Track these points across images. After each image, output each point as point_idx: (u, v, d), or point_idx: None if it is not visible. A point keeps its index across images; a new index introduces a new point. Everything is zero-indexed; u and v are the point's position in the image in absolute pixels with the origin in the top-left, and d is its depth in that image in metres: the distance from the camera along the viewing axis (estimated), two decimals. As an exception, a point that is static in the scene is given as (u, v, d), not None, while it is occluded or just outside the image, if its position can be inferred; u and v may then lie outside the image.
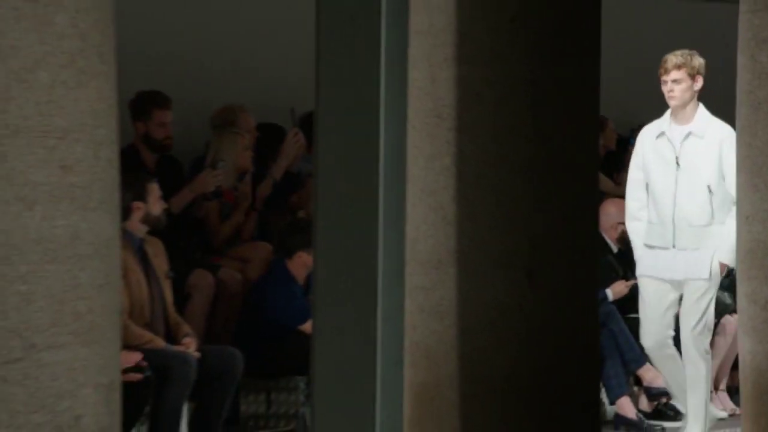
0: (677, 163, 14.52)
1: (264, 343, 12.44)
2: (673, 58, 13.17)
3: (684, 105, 15.04)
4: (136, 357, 10.63)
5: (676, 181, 14.86)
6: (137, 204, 12.60)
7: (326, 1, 6.77)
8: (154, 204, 12.37)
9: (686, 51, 12.83)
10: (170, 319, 11.95)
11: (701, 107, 15.08)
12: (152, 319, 11.54)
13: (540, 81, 8.82)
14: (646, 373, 14.67)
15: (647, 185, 14.66)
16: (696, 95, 15.22)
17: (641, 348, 14.12)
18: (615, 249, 16.14)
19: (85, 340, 6.66)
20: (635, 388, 15.10)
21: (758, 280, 11.81)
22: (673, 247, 14.60)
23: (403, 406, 6.96)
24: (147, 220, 12.26)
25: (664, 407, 14.99)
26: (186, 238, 12.99)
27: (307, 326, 11.30)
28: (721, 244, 14.61)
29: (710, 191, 14.13)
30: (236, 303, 13.22)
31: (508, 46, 8.80)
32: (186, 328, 12.07)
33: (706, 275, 14.75)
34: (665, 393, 15.06)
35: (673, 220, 14.62)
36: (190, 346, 11.81)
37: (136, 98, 13.98)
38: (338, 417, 6.75)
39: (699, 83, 14.71)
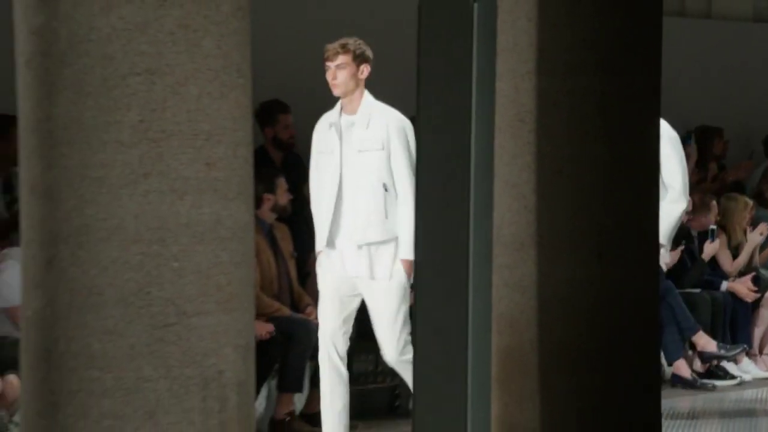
0: None
1: None
2: None
3: None
4: (269, 328, 10.85)
5: None
6: (267, 195, 12.75)
7: (426, 25, 6.87)
8: (282, 195, 12.58)
9: None
10: (294, 291, 12.07)
11: None
12: (279, 291, 11.66)
13: (608, 91, 8.90)
14: (699, 339, 14.50)
15: None
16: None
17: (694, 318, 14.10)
18: (673, 234, 15.82)
19: (226, 309, 6.89)
20: (690, 353, 14.86)
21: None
22: None
23: (491, 366, 7.04)
24: (275, 209, 12.37)
25: (715, 368, 14.81)
26: (307, 225, 13.04)
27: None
28: None
29: None
30: None
31: (581, 62, 8.90)
32: (307, 299, 12.21)
33: None
34: (716, 356, 14.90)
35: None
36: (311, 314, 11.91)
37: (261, 108, 14.03)
38: (435, 376, 6.84)
39: None
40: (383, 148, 9.57)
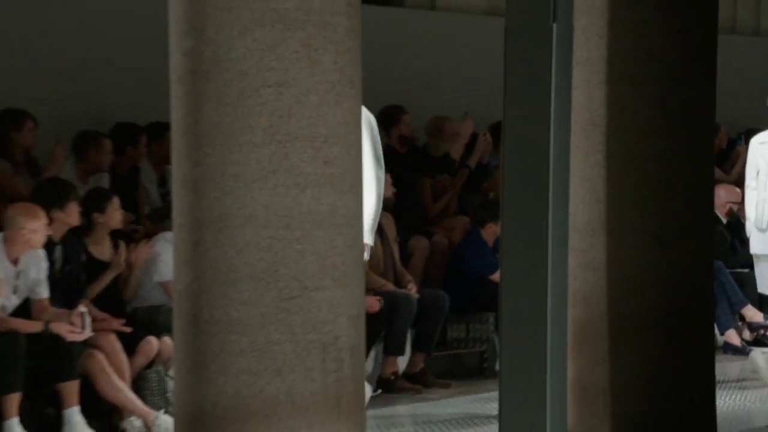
0: None
1: (464, 288, 12.44)
2: None
3: None
4: (377, 301, 10.78)
5: None
6: None
7: (512, 42, 6.86)
8: (387, 189, 12.35)
9: None
10: (397, 270, 12.03)
11: None
12: (385, 270, 11.65)
13: (669, 98, 8.87)
14: (747, 312, 14.27)
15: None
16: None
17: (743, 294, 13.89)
18: (724, 221, 15.49)
19: (341, 284, 7.02)
20: (739, 324, 14.61)
21: None
22: None
23: (567, 335, 7.02)
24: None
25: (762, 337, 14.71)
26: (408, 213, 13.01)
27: (495, 276, 11.29)
28: None
29: None
30: (444, 259, 13.24)
31: (646, 73, 8.93)
32: (408, 277, 12.13)
33: None
34: (763, 326, 14.77)
35: None
36: (411, 289, 11.89)
37: (384, 112, 13.84)
38: (518, 342, 6.83)
39: None
40: None
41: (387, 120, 14.05)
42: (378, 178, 9.85)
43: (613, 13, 8.95)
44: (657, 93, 9.07)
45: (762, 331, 14.68)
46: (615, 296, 8.97)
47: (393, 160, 13.75)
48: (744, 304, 14.71)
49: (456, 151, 14.40)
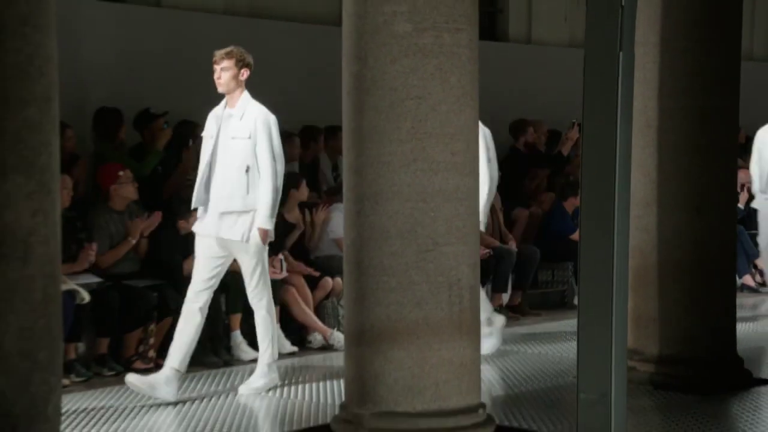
0: None
1: (551, 244, 12.39)
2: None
3: None
4: (487, 252, 10.64)
5: None
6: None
7: (589, 64, 6.74)
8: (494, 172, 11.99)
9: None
10: (502, 231, 11.92)
11: None
12: (493, 231, 11.62)
13: (704, 106, 8.77)
14: (760, 262, 14.10)
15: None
16: None
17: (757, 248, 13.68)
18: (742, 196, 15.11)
19: (463, 242, 6.97)
20: (753, 271, 14.41)
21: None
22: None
23: (628, 279, 6.94)
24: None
25: None
26: (513, 191, 12.96)
27: (574, 236, 11.17)
28: None
29: None
30: (537, 224, 13.20)
31: (687, 87, 8.81)
32: (510, 236, 12.00)
33: None
34: None
35: None
36: (512, 245, 11.85)
37: (514, 123, 14.14)
38: (591, 284, 6.77)
39: None
40: (250, 137, 8.24)
41: (516, 130, 13.96)
42: (491, 177, 9.60)
43: (663, 45, 8.84)
44: (695, 103, 8.95)
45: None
46: (662, 251, 8.89)
47: (519, 158, 13.70)
48: (757, 257, 14.53)
49: (565, 150, 14.20)
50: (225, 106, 8.40)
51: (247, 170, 8.30)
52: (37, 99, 4.97)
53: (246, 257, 8.40)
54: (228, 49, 8.36)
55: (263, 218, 8.22)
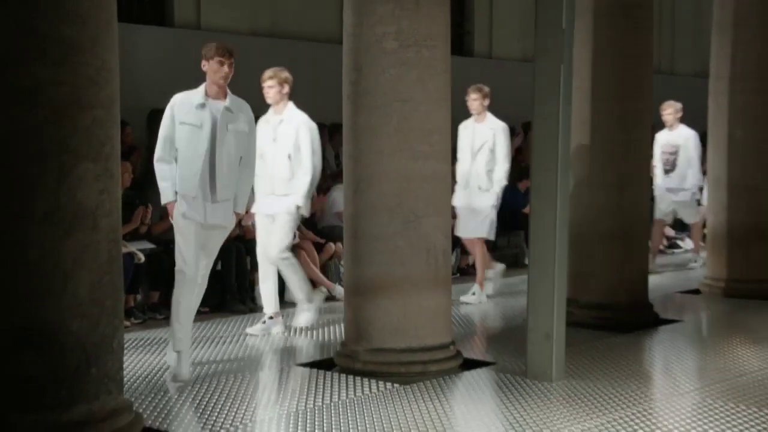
0: None
1: (507, 216, 12.15)
2: None
3: None
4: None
5: None
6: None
7: (538, 74, 6.74)
8: None
9: None
10: None
11: None
12: None
13: (625, 107, 8.75)
14: (667, 231, 14.11)
15: None
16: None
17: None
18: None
19: (438, 215, 6.97)
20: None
21: None
22: None
23: (567, 241, 6.99)
24: None
25: (672, 244, 14.34)
26: None
27: (526, 210, 10.89)
28: None
29: None
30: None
31: (614, 92, 8.70)
32: None
33: None
34: (674, 237, 14.43)
35: None
36: None
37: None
38: (538, 248, 6.76)
39: None
40: (293, 138, 8.31)
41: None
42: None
43: (594, 60, 8.78)
44: (619, 105, 8.86)
45: (672, 240, 14.35)
46: (593, 222, 8.85)
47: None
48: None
49: (517, 143, 13.70)
50: (273, 113, 8.42)
51: (289, 158, 8.32)
52: (103, 102, 5.00)
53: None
54: (270, 72, 8.37)
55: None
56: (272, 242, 8.38)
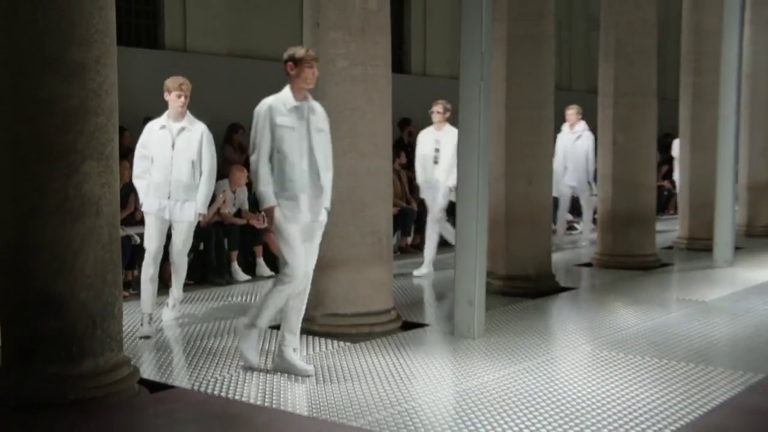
0: None
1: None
2: None
3: None
4: (396, 209, 10.44)
5: None
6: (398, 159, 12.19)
7: (462, 89, 6.84)
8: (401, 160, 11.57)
9: None
10: (407, 196, 11.66)
11: None
12: (402, 196, 11.51)
13: (533, 115, 8.74)
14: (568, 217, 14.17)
15: None
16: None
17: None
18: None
19: (382, 203, 6.97)
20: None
21: None
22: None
23: (485, 226, 7.02)
24: (401, 165, 11.80)
25: (570, 227, 14.26)
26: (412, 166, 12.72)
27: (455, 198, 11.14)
28: None
29: None
30: None
31: (524, 102, 8.73)
32: (412, 199, 11.60)
33: None
34: (572, 221, 14.28)
35: None
36: (414, 206, 11.59)
37: (402, 119, 13.29)
38: (464, 230, 6.81)
39: None
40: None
41: (401, 126, 13.59)
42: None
43: (508, 78, 8.78)
44: (528, 113, 8.84)
45: (571, 224, 14.33)
46: (508, 209, 8.87)
47: (404, 145, 13.45)
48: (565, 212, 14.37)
49: None
50: (172, 121, 7.06)
51: (192, 164, 7.12)
52: (105, 111, 4.98)
53: (189, 232, 7.23)
54: (186, 81, 7.09)
55: (200, 205, 7.05)
56: (179, 245, 7.23)
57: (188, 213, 7.10)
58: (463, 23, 6.76)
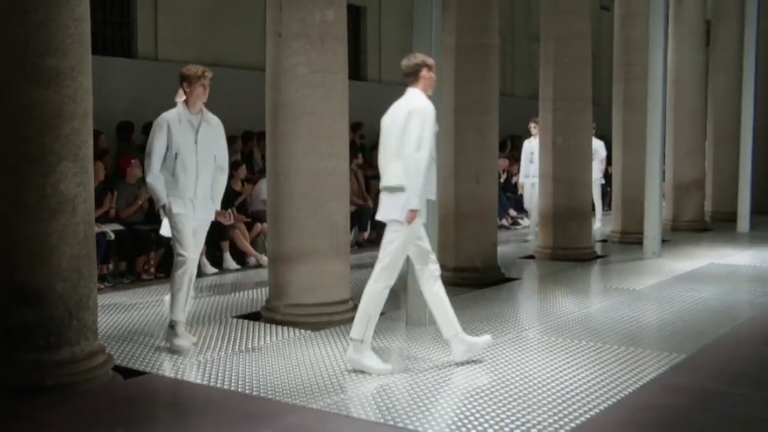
0: None
1: None
2: None
3: None
4: (353, 207, 10.35)
5: None
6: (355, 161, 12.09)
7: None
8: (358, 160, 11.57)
9: None
10: (363, 194, 11.69)
11: None
12: (359, 194, 11.55)
13: (480, 119, 8.80)
14: (510, 212, 14.07)
15: None
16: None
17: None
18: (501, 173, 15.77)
19: (339, 201, 6.98)
20: (507, 215, 13.93)
21: None
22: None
23: (436, 221, 7.05)
24: (357, 165, 11.94)
25: (515, 222, 14.49)
26: (370, 164, 12.68)
27: None
28: None
29: None
30: None
31: (471, 107, 8.75)
32: (368, 197, 11.57)
33: None
34: (516, 217, 14.52)
35: None
36: (369, 203, 11.54)
37: (353, 123, 12.82)
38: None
39: None
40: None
41: (353, 129, 13.40)
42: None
43: (456, 85, 8.76)
44: (475, 118, 8.87)
45: (514, 219, 14.41)
46: (457, 205, 8.87)
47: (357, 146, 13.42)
48: (508, 207, 14.41)
49: None
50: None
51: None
52: (80, 115, 4.94)
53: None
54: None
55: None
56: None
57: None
58: (414, 33, 6.78)
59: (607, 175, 14.54)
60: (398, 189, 5.37)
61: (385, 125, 5.58)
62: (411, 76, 5.60)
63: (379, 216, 5.53)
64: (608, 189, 14.64)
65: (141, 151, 10.51)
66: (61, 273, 4.83)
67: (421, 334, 6.49)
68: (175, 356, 5.80)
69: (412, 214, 5.37)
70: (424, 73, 5.59)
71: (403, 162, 5.34)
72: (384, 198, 5.51)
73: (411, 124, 5.34)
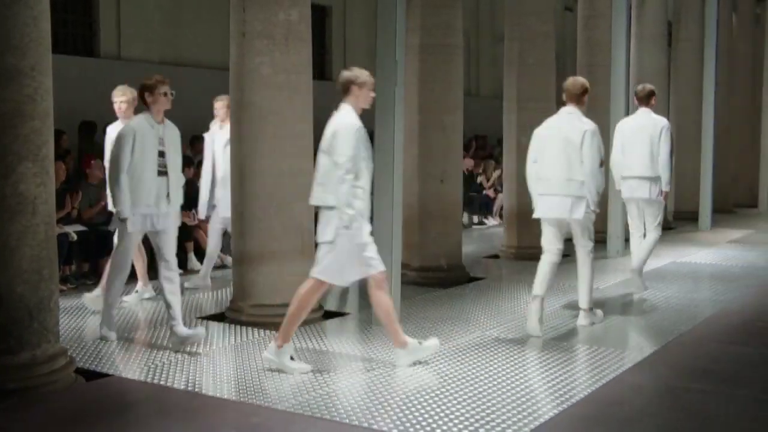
0: None
1: None
2: None
3: None
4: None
5: None
6: None
7: (378, 94, 6.82)
8: None
9: None
10: None
11: None
12: None
13: (444, 119, 8.78)
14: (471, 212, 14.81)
15: None
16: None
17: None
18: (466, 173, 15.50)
19: (304, 201, 6.91)
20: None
21: None
22: None
23: (401, 220, 7.08)
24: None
25: (481, 221, 14.53)
26: None
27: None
28: None
29: None
30: None
31: (435, 107, 8.75)
32: None
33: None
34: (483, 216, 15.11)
35: None
36: None
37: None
38: (381, 225, 6.80)
39: None
40: None
41: None
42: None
43: (420, 85, 8.78)
44: (439, 118, 8.86)
45: (480, 218, 14.44)
46: (421, 206, 8.89)
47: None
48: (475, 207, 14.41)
49: None
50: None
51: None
52: (40, 115, 4.87)
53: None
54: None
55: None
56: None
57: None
58: (378, 32, 6.78)
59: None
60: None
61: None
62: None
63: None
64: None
65: (103, 152, 10.55)
66: (22, 275, 4.77)
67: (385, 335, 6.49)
68: (138, 357, 5.75)
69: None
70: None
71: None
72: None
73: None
